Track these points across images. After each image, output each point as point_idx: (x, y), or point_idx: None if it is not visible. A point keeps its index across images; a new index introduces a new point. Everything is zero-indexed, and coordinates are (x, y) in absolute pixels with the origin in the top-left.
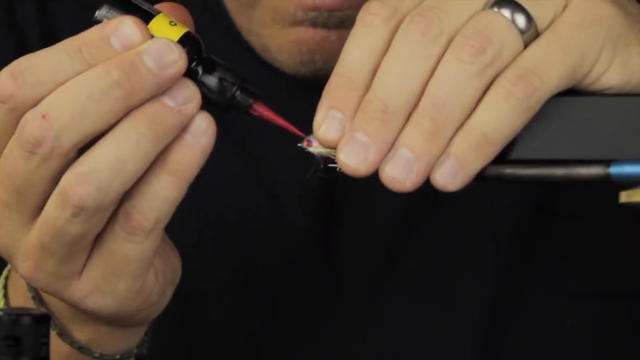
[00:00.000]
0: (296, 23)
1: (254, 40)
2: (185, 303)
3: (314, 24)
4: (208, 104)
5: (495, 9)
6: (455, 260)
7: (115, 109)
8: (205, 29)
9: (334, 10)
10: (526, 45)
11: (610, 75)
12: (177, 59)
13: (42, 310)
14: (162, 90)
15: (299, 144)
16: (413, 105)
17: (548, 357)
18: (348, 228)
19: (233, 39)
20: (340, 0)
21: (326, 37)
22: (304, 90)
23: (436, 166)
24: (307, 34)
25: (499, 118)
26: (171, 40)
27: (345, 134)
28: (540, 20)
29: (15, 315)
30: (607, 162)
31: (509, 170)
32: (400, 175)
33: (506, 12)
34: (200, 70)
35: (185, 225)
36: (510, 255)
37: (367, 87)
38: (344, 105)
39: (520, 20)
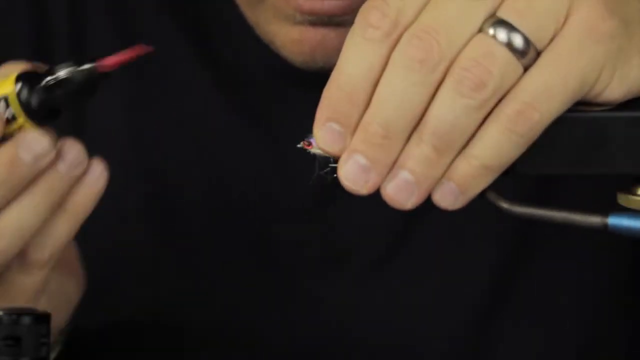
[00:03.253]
0: (296, 23)
1: (261, 34)
2: (200, 279)
3: (314, 24)
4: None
5: (491, 31)
6: (452, 253)
7: (6, 196)
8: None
9: (333, 15)
10: (526, 68)
11: (610, 91)
12: (47, 149)
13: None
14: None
15: (299, 145)
16: (413, 126)
17: (542, 350)
18: (347, 216)
19: (249, 31)
20: (338, 7)
21: (326, 35)
22: (317, 80)
23: (437, 187)
24: (308, 34)
25: (499, 150)
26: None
27: (346, 151)
28: (539, 41)
29: (16, 315)
30: (606, 213)
31: (505, 205)
32: (401, 196)
33: (502, 34)
34: (45, 88)
35: (200, 205)
36: (507, 248)
37: (367, 103)
38: (344, 120)
39: (518, 41)
